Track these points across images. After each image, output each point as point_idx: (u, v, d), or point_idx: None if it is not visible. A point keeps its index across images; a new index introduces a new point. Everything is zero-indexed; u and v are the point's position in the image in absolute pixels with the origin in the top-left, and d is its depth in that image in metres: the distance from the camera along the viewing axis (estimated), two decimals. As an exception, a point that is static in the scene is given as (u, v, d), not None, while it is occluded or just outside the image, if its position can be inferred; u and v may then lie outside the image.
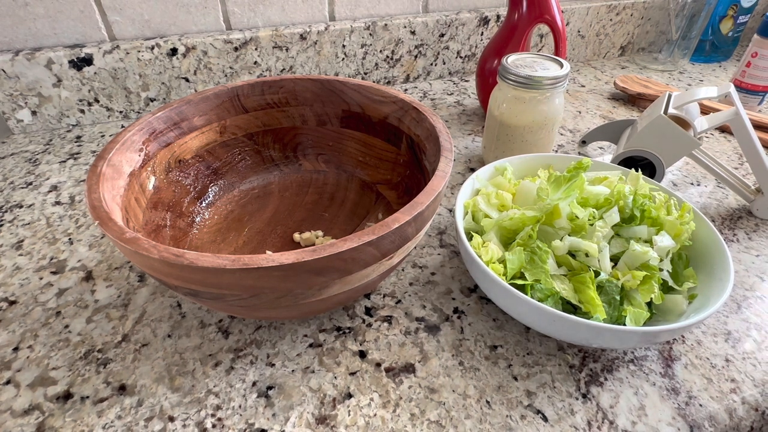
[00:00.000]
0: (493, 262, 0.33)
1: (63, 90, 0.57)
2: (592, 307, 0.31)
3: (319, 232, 0.41)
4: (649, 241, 0.34)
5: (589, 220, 0.34)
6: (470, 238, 0.36)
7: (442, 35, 0.72)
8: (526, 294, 0.31)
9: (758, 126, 0.61)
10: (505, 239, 0.36)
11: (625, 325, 0.31)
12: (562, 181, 0.36)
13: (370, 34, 0.67)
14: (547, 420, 0.29)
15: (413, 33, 0.70)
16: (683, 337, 0.35)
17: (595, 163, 0.42)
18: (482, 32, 0.74)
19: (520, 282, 0.32)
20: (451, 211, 0.47)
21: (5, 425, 0.28)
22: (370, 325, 0.35)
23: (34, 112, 0.57)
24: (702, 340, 0.35)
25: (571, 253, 0.34)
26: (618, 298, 0.32)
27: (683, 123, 0.46)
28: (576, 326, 0.28)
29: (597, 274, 0.32)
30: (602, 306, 0.31)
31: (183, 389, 0.31)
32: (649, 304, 0.33)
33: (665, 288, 0.34)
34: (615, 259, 0.34)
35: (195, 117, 0.41)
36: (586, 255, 0.33)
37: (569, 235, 0.34)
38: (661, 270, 0.33)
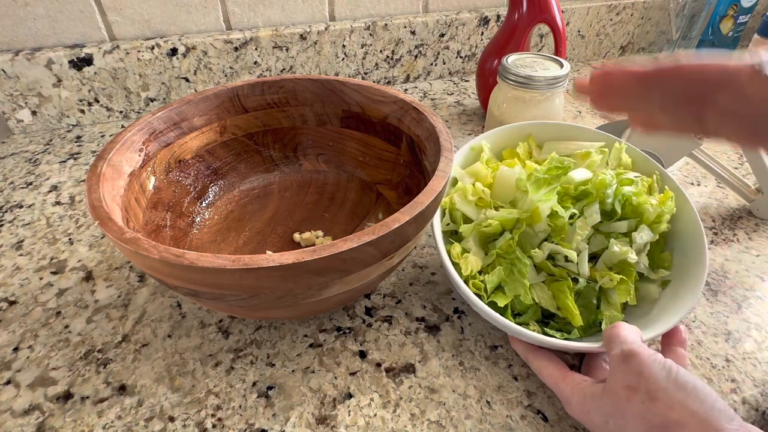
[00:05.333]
0: (473, 277, 0.33)
1: (63, 90, 0.57)
2: (569, 316, 0.32)
3: (319, 232, 0.41)
4: (628, 235, 0.35)
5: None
6: (449, 240, 0.36)
7: (442, 35, 0.72)
8: (507, 306, 0.32)
9: (758, 126, 0.61)
10: (484, 242, 0.36)
11: (601, 328, 0.32)
12: (542, 183, 0.35)
13: (370, 34, 0.67)
14: (547, 420, 0.29)
15: (413, 33, 0.70)
16: (683, 337, 0.35)
17: (576, 128, 0.41)
18: (482, 32, 0.74)
19: (501, 298, 0.32)
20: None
21: (5, 425, 0.28)
22: (370, 325, 0.35)
23: (34, 112, 0.57)
24: (702, 340, 0.35)
25: (551, 256, 0.34)
26: (595, 301, 0.33)
27: (683, 123, 0.46)
28: (554, 346, 0.30)
29: (576, 276, 0.33)
30: (578, 315, 0.32)
31: (183, 389, 0.31)
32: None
33: (639, 275, 0.35)
34: (595, 257, 0.35)
35: (195, 117, 0.41)
36: (566, 258, 0.33)
37: (549, 236, 0.34)
38: (638, 263, 0.34)
